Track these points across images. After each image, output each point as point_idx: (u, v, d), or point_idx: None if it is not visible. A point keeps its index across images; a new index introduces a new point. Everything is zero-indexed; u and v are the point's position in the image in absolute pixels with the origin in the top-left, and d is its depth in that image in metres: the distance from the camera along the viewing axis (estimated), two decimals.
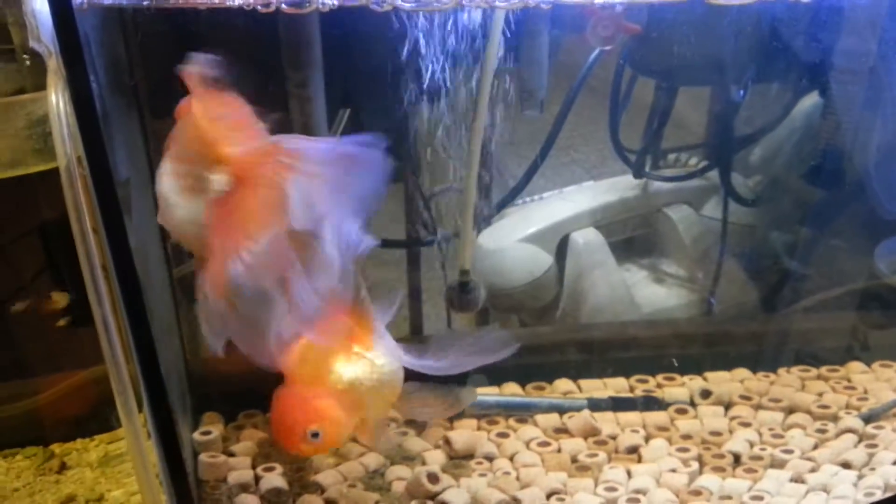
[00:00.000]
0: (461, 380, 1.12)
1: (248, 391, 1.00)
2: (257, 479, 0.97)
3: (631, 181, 1.42)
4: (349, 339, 0.77)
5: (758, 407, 1.12)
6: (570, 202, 1.46)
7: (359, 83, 1.03)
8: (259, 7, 0.65)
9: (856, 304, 1.21)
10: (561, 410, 1.12)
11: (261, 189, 0.67)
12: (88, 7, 0.74)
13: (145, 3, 0.73)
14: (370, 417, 0.79)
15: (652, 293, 1.42)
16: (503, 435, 1.07)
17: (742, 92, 1.17)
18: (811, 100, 1.23)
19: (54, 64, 0.72)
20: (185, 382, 0.97)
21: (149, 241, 0.90)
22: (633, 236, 1.48)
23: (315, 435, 0.74)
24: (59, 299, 1.07)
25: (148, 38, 0.88)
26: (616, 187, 1.45)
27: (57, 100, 0.72)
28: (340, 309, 0.76)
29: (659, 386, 1.18)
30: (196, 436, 1.01)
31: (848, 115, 1.04)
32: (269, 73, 0.92)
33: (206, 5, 0.70)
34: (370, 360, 0.77)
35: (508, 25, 0.94)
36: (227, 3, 0.68)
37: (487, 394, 1.13)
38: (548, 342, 1.25)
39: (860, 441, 1.05)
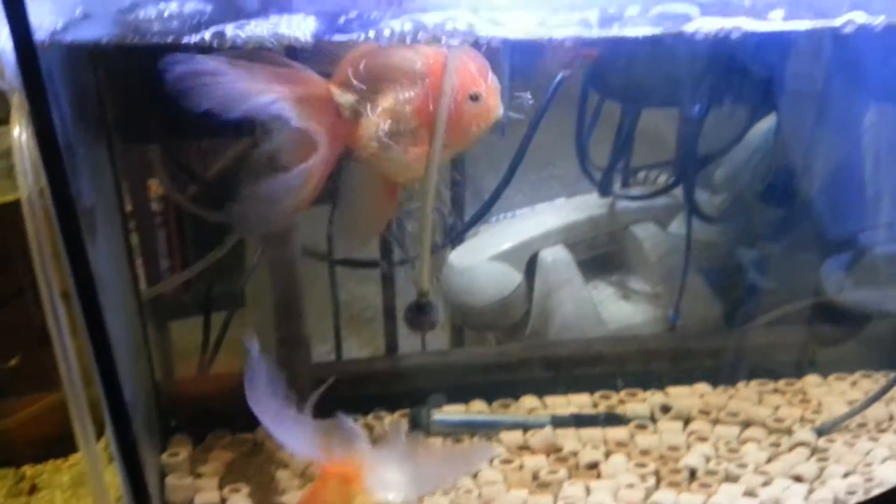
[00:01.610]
0: (421, 400, 1.16)
1: (216, 412, 1.03)
2: (223, 500, 0.99)
3: (600, 199, 1.45)
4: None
5: (715, 421, 1.15)
6: (540, 220, 1.49)
7: None
8: (215, 45, 0.68)
9: (812, 319, 1.25)
10: (525, 428, 1.14)
11: None
12: (51, 44, 0.77)
13: (104, 40, 0.75)
14: None
15: (619, 310, 1.45)
16: None
17: (700, 113, 1.20)
18: (768, 121, 1.26)
19: (17, 100, 0.75)
20: (153, 405, 1.00)
21: (117, 265, 0.92)
22: (602, 254, 1.51)
23: None
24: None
25: (114, 69, 0.91)
26: (585, 205, 1.48)
27: (20, 134, 0.75)
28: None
29: (621, 402, 1.20)
30: (164, 458, 1.03)
31: (796, 137, 1.08)
32: None
33: (163, 43, 0.72)
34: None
35: None
36: (184, 41, 0.71)
37: (453, 412, 1.16)
38: (514, 359, 1.27)
39: (812, 454, 1.08)
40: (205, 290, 1.31)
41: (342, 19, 0.59)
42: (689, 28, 0.62)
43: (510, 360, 1.27)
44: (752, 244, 1.35)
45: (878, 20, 0.66)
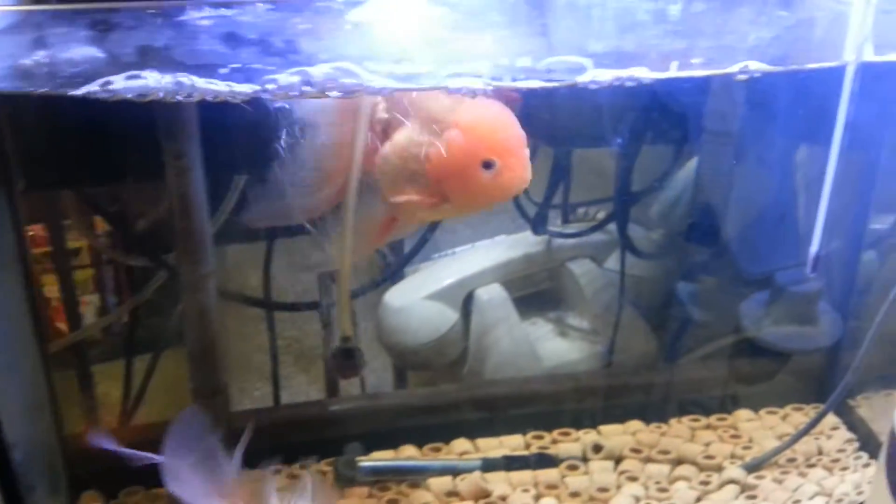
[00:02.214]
0: (338, 450, 1.13)
1: (129, 468, 0.98)
2: None
3: (536, 236, 1.45)
4: None
5: (647, 460, 1.14)
6: (476, 258, 1.49)
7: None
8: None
9: (741, 354, 1.25)
10: (454, 472, 1.12)
11: None
12: None
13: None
14: None
15: (556, 347, 1.45)
16: (393, 502, 1.06)
17: (625, 152, 1.21)
18: (693, 161, 1.28)
19: None
20: (59, 460, 0.95)
21: (18, 318, 0.89)
22: (540, 290, 1.51)
23: None
24: None
25: (13, 118, 0.88)
26: (521, 243, 1.48)
27: None
28: None
29: (554, 442, 1.19)
30: None
31: (713, 177, 1.09)
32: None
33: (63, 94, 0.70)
34: None
35: None
36: (90, 95, 0.68)
37: (380, 459, 1.14)
38: (446, 402, 1.25)
39: (742, 492, 1.07)
40: (126, 335, 1.28)
41: (225, 70, 0.57)
42: (583, 79, 0.62)
43: (442, 402, 1.25)
44: (685, 280, 1.36)
45: (776, 68, 0.67)
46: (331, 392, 1.42)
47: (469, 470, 1.12)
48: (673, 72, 0.64)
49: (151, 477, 1.02)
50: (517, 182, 0.70)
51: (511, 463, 1.14)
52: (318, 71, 0.57)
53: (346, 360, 1.01)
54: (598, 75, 0.61)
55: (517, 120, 0.71)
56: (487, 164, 0.68)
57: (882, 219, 1.26)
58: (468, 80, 0.60)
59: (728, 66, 0.64)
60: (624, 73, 0.61)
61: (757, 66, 0.64)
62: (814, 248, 0.76)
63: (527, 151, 0.70)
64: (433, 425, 1.21)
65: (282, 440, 1.15)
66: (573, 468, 1.13)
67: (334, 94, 0.58)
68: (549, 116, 1.12)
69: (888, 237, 1.25)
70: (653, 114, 1.11)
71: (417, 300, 1.42)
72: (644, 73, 0.64)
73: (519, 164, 0.69)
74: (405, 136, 0.73)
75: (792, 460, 1.12)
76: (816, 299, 1.11)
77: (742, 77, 0.64)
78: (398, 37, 0.67)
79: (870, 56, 0.74)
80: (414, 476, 1.11)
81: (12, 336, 0.84)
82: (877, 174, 1.07)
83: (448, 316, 1.41)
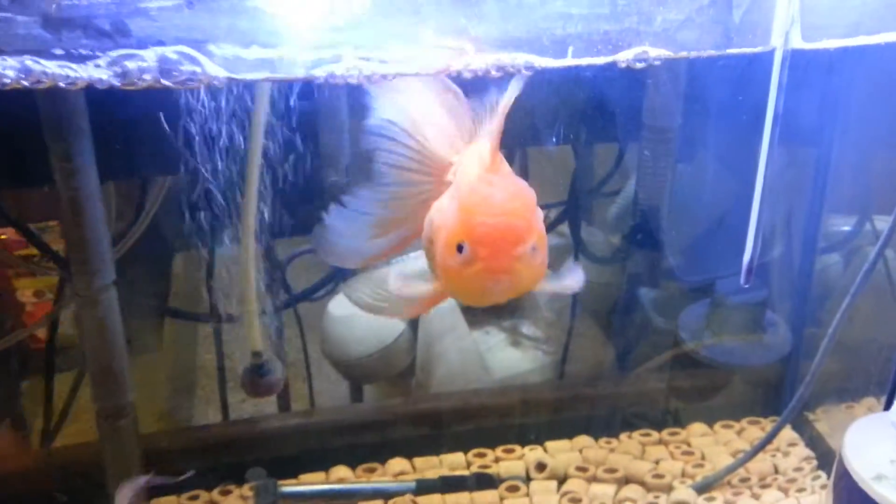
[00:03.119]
0: (282, 467, 1.06)
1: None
2: None
3: None
4: None
5: (592, 479, 1.07)
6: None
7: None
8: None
9: (693, 365, 1.18)
10: (386, 495, 1.05)
11: None
12: None
13: None
14: None
15: (507, 357, 1.38)
16: None
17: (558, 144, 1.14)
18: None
19: None
20: None
21: None
22: None
23: None
24: None
25: None
26: None
27: None
28: None
29: (497, 460, 1.12)
30: None
31: (652, 175, 1.02)
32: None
33: None
34: None
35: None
36: None
37: (308, 482, 1.06)
38: (383, 418, 1.18)
39: None
40: (46, 350, 1.21)
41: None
42: (456, 65, 0.55)
43: (380, 418, 1.18)
44: (642, 286, 1.30)
45: (679, 54, 0.60)
46: (283, 407, 1.35)
47: (401, 493, 1.05)
48: (569, 60, 0.58)
49: None
50: (489, 278, 0.57)
51: (448, 484, 1.07)
52: (150, 55, 0.50)
53: (257, 377, 0.94)
54: (474, 62, 0.54)
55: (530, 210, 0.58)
56: (459, 247, 0.57)
57: (847, 220, 1.20)
58: (329, 66, 0.53)
59: (621, 51, 0.57)
60: (506, 57, 0.55)
61: (657, 52, 0.57)
62: (747, 256, 0.68)
63: (522, 249, 0.56)
64: (368, 444, 1.14)
65: (203, 463, 1.08)
66: (514, 489, 1.06)
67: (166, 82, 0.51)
68: None
69: (852, 239, 1.18)
70: (596, 112, 1.04)
71: None
72: (539, 61, 0.57)
73: (495, 260, 0.56)
74: (438, 202, 0.63)
75: (745, 480, 1.05)
76: (760, 309, 1.03)
77: (639, 65, 0.57)
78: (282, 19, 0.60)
79: (798, 42, 0.67)
80: (341, 501, 1.04)
81: None
82: (830, 171, 1.00)
83: (395, 325, 1.35)
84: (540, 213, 0.59)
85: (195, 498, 1.03)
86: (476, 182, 0.59)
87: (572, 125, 1.04)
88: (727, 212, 0.97)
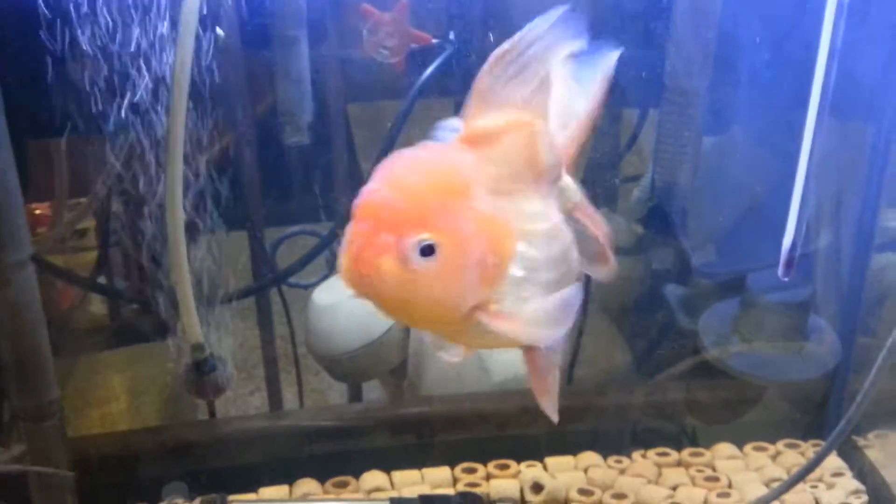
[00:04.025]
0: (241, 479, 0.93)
1: None
2: None
3: None
4: None
5: None
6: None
7: None
8: None
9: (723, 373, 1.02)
10: None
11: None
12: None
13: None
14: None
15: (509, 358, 1.23)
16: None
17: None
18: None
19: None
20: None
21: None
22: None
23: None
24: None
25: None
26: None
27: None
28: None
29: (488, 477, 1.00)
30: None
31: (672, 147, 0.86)
32: None
33: None
34: None
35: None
36: None
37: (269, 498, 0.93)
38: (361, 423, 1.04)
39: None
40: None
41: None
42: None
43: (357, 423, 1.04)
44: (668, 280, 1.14)
45: None
46: (274, 405, 1.23)
47: None
48: None
49: None
50: (350, 270, 0.46)
51: None
52: None
53: (200, 375, 0.80)
54: None
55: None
56: (425, 251, 0.46)
57: None
58: None
59: None
60: None
61: None
62: (787, 242, 0.53)
63: (395, 239, 0.44)
64: (341, 453, 1.01)
65: (145, 472, 0.95)
66: None
67: None
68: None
69: None
70: None
71: (348, 297, 1.21)
72: None
73: (354, 244, 0.45)
74: None
75: None
76: (801, 312, 0.86)
77: None
78: None
79: None
80: None
81: None
82: (891, 152, 0.83)
83: (383, 317, 1.21)
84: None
85: None
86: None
87: None
88: (766, 193, 0.81)
